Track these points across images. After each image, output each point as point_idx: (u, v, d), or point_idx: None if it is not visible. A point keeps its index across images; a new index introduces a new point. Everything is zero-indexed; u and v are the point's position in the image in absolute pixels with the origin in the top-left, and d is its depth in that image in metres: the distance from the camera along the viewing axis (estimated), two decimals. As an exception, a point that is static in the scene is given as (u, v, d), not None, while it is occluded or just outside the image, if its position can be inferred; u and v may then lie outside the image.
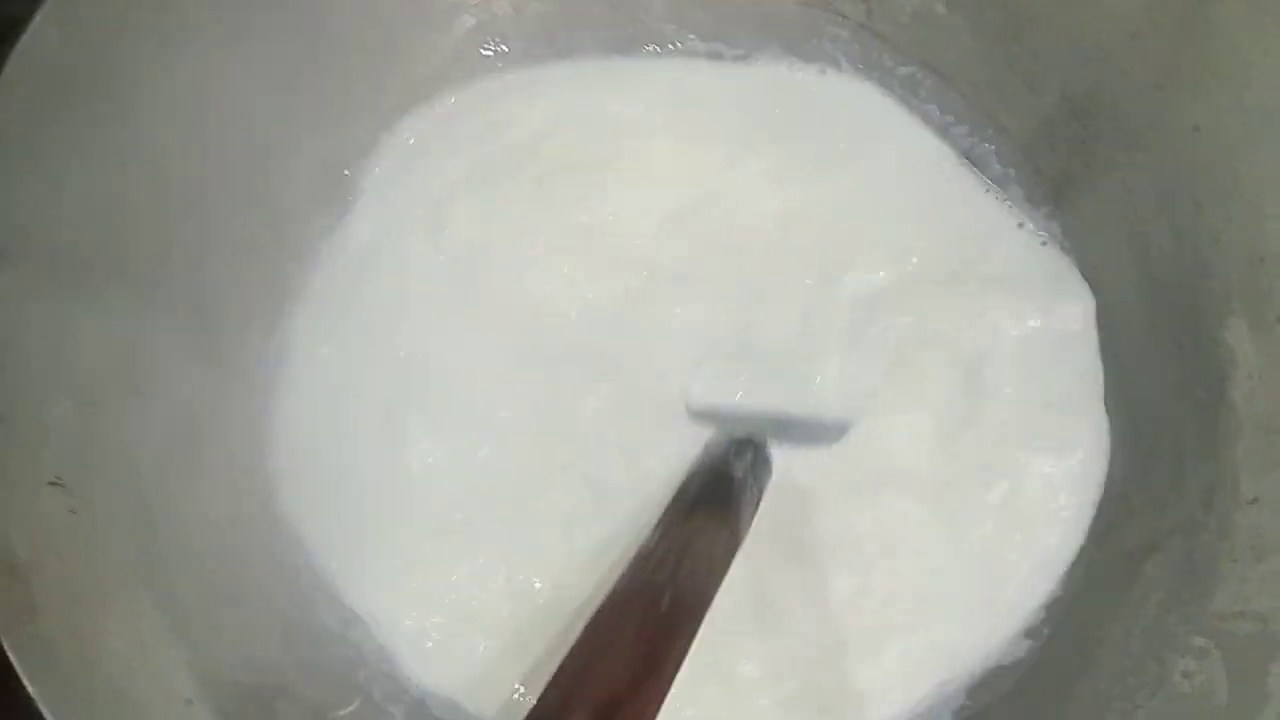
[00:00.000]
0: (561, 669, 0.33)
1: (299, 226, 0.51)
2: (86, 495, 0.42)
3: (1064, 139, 0.51)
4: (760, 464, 0.46)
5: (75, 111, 0.41)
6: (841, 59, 0.55)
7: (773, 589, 0.47)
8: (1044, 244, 0.52)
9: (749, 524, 0.43)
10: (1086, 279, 0.51)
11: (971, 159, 0.53)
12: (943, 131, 0.54)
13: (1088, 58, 0.48)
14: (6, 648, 0.36)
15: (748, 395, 0.49)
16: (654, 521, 0.42)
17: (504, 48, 0.55)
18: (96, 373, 0.43)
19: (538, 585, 0.48)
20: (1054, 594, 0.47)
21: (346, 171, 0.53)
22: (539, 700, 0.32)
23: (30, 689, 0.36)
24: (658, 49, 0.56)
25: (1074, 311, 0.50)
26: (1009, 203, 0.52)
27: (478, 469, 0.49)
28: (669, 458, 0.48)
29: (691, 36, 0.56)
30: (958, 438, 0.49)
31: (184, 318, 0.47)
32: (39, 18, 0.40)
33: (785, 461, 0.48)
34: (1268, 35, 0.42)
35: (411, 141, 0.53)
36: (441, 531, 0.49)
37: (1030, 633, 0.46)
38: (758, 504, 0.45)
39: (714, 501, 0.43)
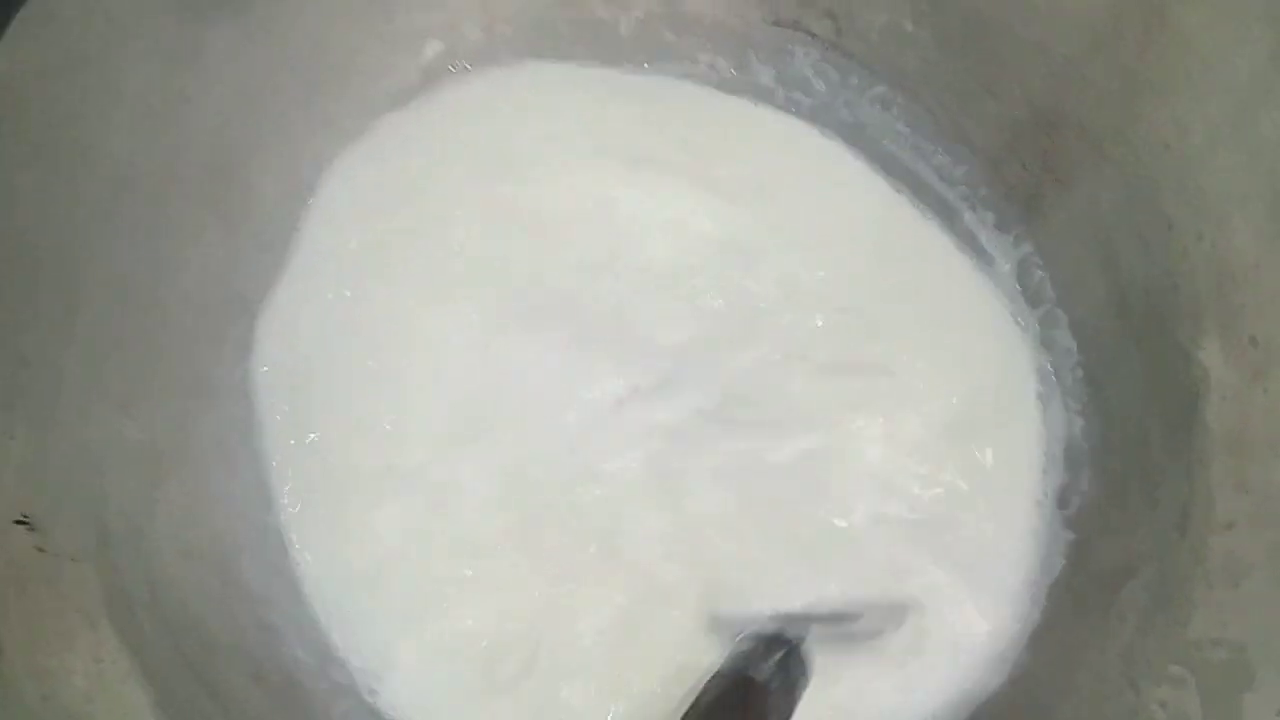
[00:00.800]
0: None
1: (261, 237, 0.51)
2: (53, 530, 0.41)
3: (1033, 154, 0.51)
4: (793, 664, 0.41)
5: (34, 117, 0.41)
6: (812, 78, 0.54)
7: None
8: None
9: None
10: (1059, 296, 0.50)
11: (942, 178, 0.52)
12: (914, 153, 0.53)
13: (1052, 70, 0.48)
14: (-33, 688, 0.36)
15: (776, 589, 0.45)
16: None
17: (468, 69, 0.54)
18: (55, 400, 0.42)
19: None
20: (1033, 620, 0.46)
21: (307, 191, 0.52)
22: None
23: (-10, 728, 0.36)
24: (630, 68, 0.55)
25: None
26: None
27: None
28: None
29: (661, 57, 0.55)
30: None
31: (146, 338, 0.46)
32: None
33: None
34: (1230, 43, 0.42)
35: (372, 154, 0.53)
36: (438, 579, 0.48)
37: (1010, 660, 0.46)
38: (792, 710, 0.40)
39: (733, 713, 0.39)
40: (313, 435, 0.50)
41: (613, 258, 0.51)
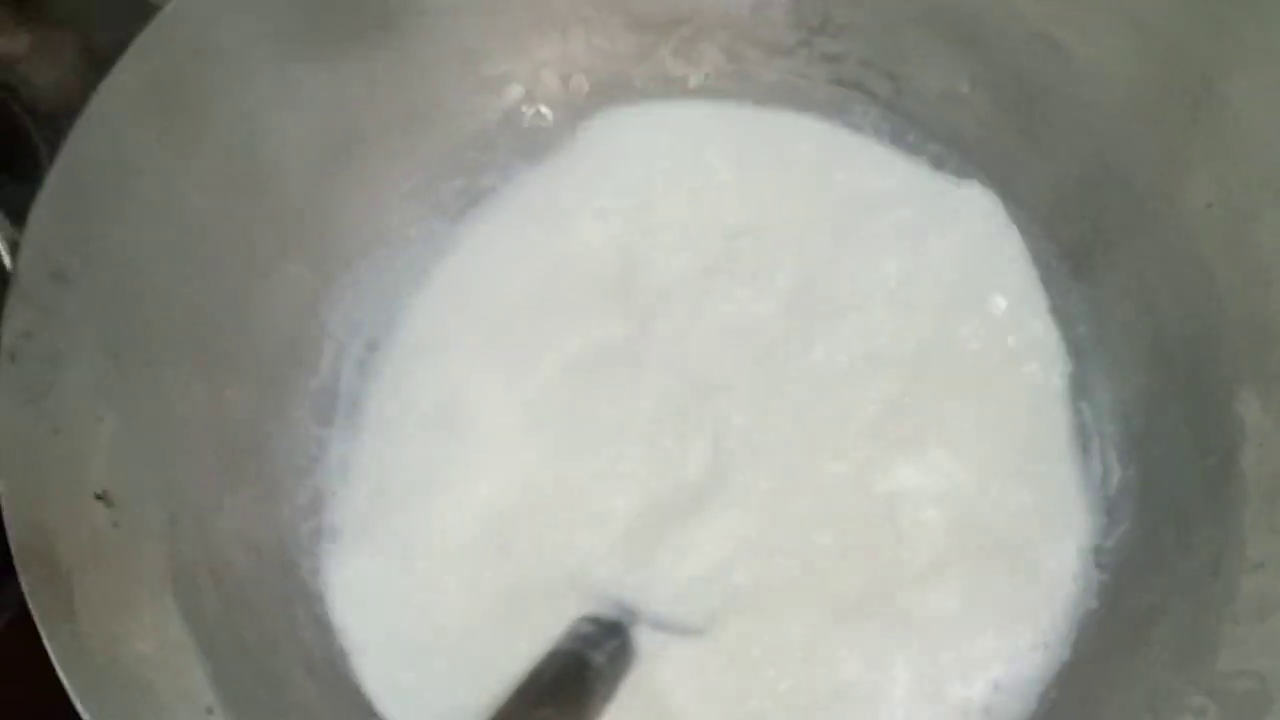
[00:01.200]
0: None
1: (343, 273, 0.54)
2: (127, 510, 0.44)
3: (1081, 212, 0.52)
4: (623, 653, 0.44)
5: (135, 143, 0.45)
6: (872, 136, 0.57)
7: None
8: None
9: (600, 715, 0.41)
10: (1102, 349, 0.51)
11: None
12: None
13: (1102, 133, 0.50)
14: (46, 641, 0.39)
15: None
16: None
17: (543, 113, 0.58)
18: (143, 393, 0.45)
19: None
20: (1063, 659, 0.47)
21: (393, 224, 0.56)
22: None
23: (64, 679, 0.38)
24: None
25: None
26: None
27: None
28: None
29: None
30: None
31: (229, 347, 0.50)
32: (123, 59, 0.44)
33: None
34: (1274, 107, 0.44)
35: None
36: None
37: (1039, 697, 0.46)
38: (613, 693, 0.43)
39: (567, 693, 0.41)
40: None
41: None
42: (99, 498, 0.43)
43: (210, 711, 0.42)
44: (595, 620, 0.45)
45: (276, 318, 0.53)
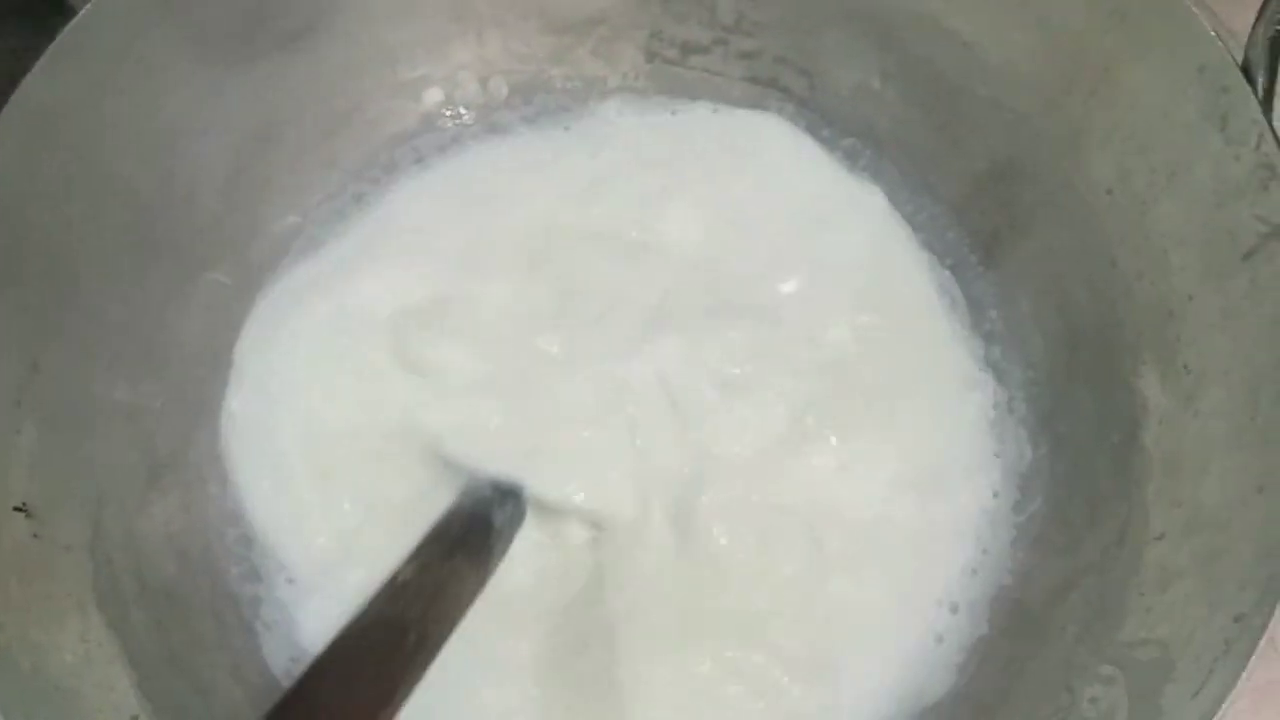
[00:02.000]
0: (299, 688, 0.34)
1: (270, 269, 0.55)
2: (48, 521, 0.44)
3: (992, 203, 0.54)
4: (517, 514, 0.47)
5: (61, 143, 0.45)
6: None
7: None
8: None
9: (498, 564, 0.45)
10: (1014, 333, 0.53)
11: (907, 223, 0.56)
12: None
13: (1008, 124, 0.52)
14: (-33, 655, 0.39)
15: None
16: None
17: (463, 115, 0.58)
18: (62, 403, 0.45)
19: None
20: (981, 632, 0.48)
21: (312, 228, 0.56)
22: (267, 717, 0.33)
23: (-13, 691, 0.38)
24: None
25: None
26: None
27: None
28: None
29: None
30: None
31: (155, 357, 0.50)
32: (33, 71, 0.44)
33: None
34: (1168, 100, 0.45)
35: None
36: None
37: (958, 669, 0.48)
38: (509, 546, 0.46)
39: (473, 547, 0.44)
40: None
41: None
42: (18, 510, 0.43)
43: (136, 719, 0.42)
44: (492, 483, 0.47)
45: (199, 324, 0.52)
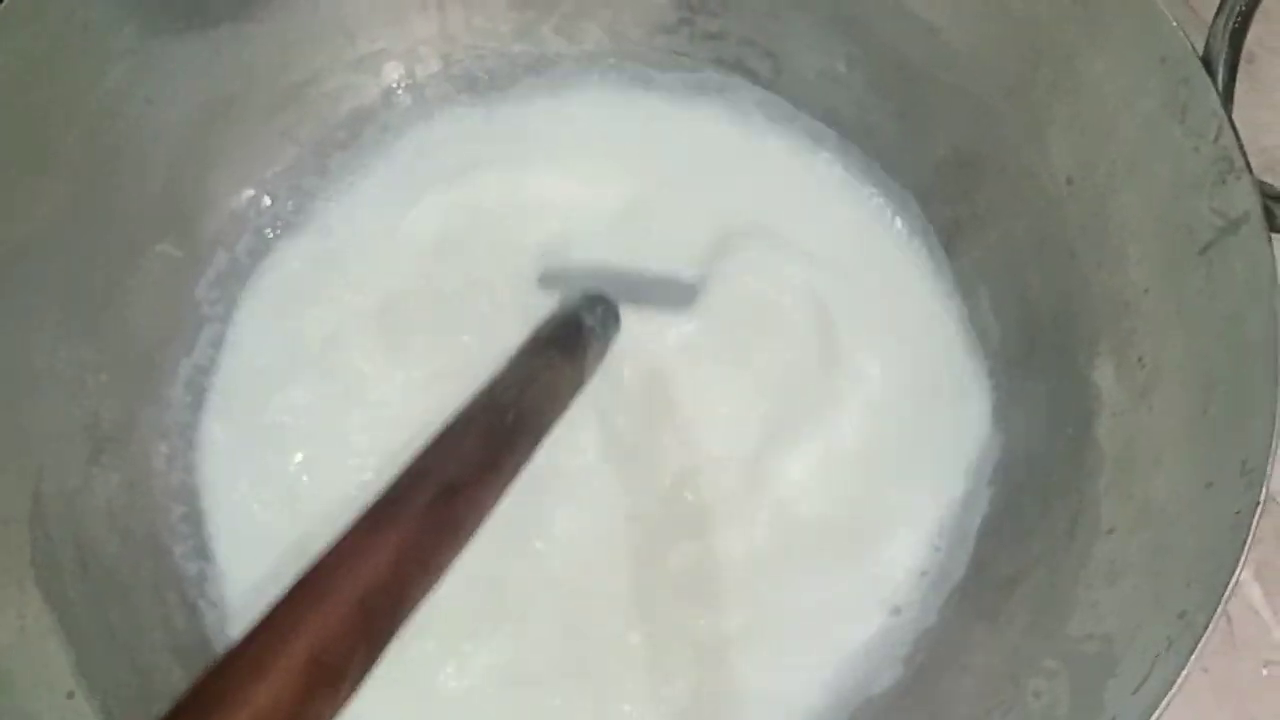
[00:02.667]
0: (415, 459, 0.36)
1: (219, 244, 0.54)
2: (-16, 492, 0.43)
3: (954, 191, 0.53)
4: (609, 318, 0.50)
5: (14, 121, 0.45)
6: (752, 113, 0.57)
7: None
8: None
9: (593, 370, 0.47)
10: (975, 323, 0.52)
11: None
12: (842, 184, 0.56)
13: (972, 112, 0.51)
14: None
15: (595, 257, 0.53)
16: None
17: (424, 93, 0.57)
18: (5, 374, 0.44)
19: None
20: (928, 624, 0.48)
21: (267, 201, 0.55)
22: (391, 482, 0.35)
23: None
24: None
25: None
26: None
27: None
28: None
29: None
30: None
31: (99, 331, 0.49)
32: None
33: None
34: (1129, 91, 0.45)
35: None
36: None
37: (906, 660, 0.47)
38: (603, 354, 0.49)
39: (564, 343, 0.46)
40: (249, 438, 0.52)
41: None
42: (-48, 482, 0.42)
43: (71, 696, 0.42)
44: (583, 293, 0.50)
45: (148, 298, 0.52)
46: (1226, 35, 0.41)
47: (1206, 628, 0.35)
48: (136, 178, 0.50)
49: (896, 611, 0.48)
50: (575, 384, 0.45)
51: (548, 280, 0.53)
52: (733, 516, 0.49)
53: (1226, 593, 0.35)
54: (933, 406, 0.52)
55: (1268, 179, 0.41)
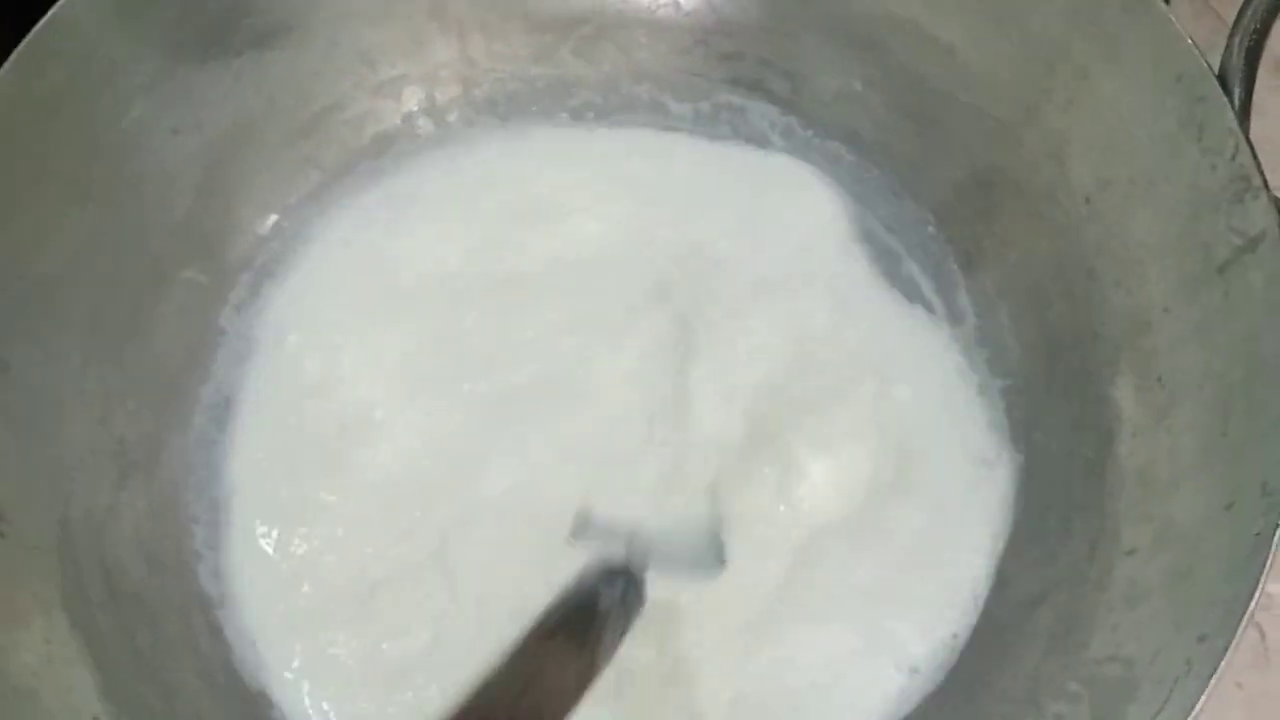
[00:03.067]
0: None
1: (246, 269, 0.55)
2: (15, 520, 0.44)
3: (972, 210, 0.53)
4: (631, 593, 0.44)
5: (30, 145, 0.45)
6: (769, 133, 0.58)
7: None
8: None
9: (611, 654, 0.42)
10: (993, 343, 0.52)
11: (888, 228, 0.55)
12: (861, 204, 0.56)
13: (989, 131, 0.51)
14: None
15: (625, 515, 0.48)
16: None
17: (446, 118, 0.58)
18: (33, 402, 0.45)
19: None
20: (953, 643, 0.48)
21: (289, 226, 0.55)
22: None
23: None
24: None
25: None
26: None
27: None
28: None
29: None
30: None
31: (125, 358, 0.49)
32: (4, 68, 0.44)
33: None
34: (1145, 109, 0.45)
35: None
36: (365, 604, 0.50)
37: (926, 681, 0.47)
38: (624, 634, 0.43)
39: (574, 629, 0.42)
40: (274, 470, 0.52)
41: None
42: (-15, 507, 0.43)
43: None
44: (604, 565, 0.45)
45: (174, 324, 0.52)
46: (1242, 53, 0.41)
47: (1226, 651, 0.35)
48: (162, 206, 0.51)
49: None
50: (588, 677, 0.40)
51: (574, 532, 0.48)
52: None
53: (1246, 615, 0.35)
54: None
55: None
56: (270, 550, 0.50)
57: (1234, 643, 0.35)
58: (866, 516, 0.49)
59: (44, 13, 0.45)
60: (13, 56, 0.44)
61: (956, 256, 0.54)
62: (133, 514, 0.49)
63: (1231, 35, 0.42)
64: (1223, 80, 0.42)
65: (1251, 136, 0.42)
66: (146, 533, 0.49)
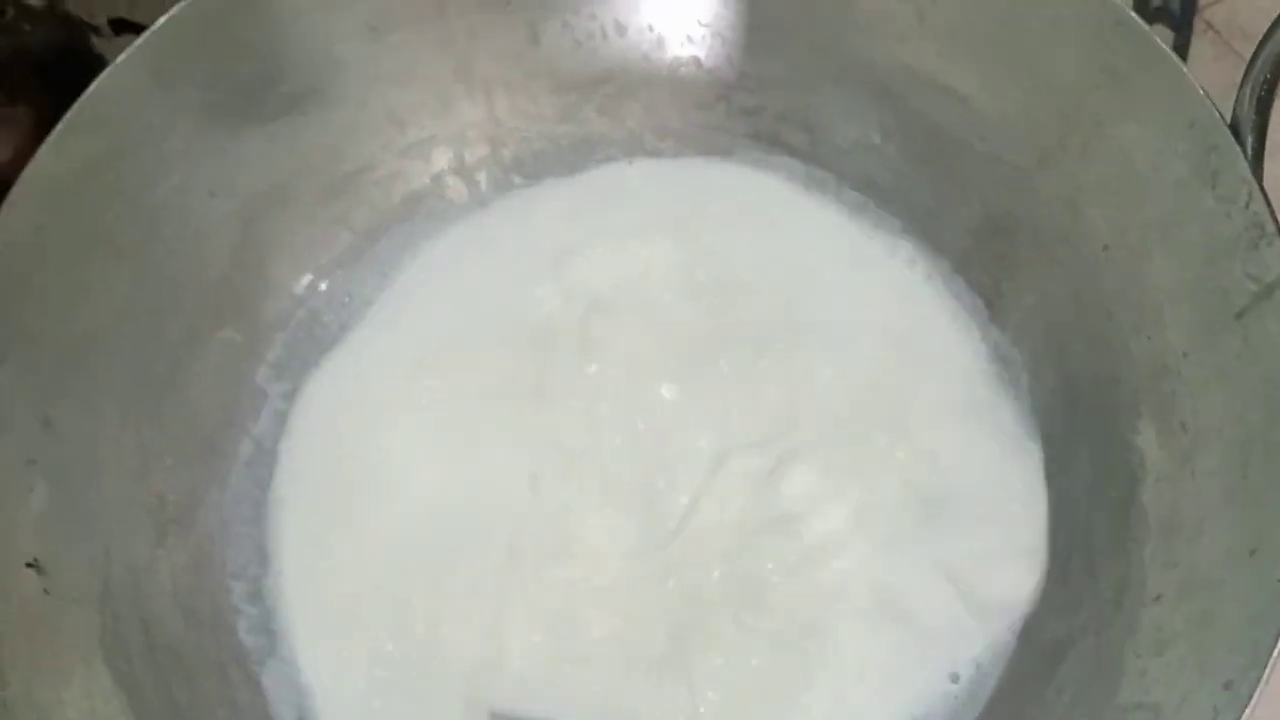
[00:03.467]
0: None
1: (280, 328, 0.56)
2: (59, 577, 0.45)
3: (991, 256, 0.54)
4: None
5: (71, 211, 0.47)
6: (787, 183, 0.59)
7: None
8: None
9: None
10: (1013, 389, 0.52)
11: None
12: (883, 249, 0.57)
13: (1006, 178, 0.52)
14: (-27, 708, 0.40)
15: None
16: None
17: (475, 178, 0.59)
18: (74, 459, 0.46)
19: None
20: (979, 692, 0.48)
21: (323, 286, 0.57)
22: None
23: (-11, 746, 0.39)
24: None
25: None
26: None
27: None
28: None
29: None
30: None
31: (163, 415, 0.51)
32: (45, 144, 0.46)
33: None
34: (1160, 155, 0.46)
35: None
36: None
37: (953, 729, 0.47)
38: None
39: None
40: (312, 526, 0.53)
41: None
42: (30, 565, 0.44)
43: (137, 774, 0.43)
44: None
45: (211, 382, 0.54)
46: (1254, 102, 0.42)
47: (1251, 698, 0.35)
48: (197, 267, 0.53)
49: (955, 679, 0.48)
50: None
51: None
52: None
53: (1271, 661, 0.35)
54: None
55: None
56: (309, 604, 0.50)
57: (1260, 689, 0.35)
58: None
59: (89, 84, 0.47)
60: (59, 125, 0.46)
61: (978, 303, 0.55)
62: (170, 569, 0.50)
63: (1242, 85, 0.42)
64: (1235, 129, 0.42)
65: (1266, 182, 0.42)
66: (184, 588, 0.50)
